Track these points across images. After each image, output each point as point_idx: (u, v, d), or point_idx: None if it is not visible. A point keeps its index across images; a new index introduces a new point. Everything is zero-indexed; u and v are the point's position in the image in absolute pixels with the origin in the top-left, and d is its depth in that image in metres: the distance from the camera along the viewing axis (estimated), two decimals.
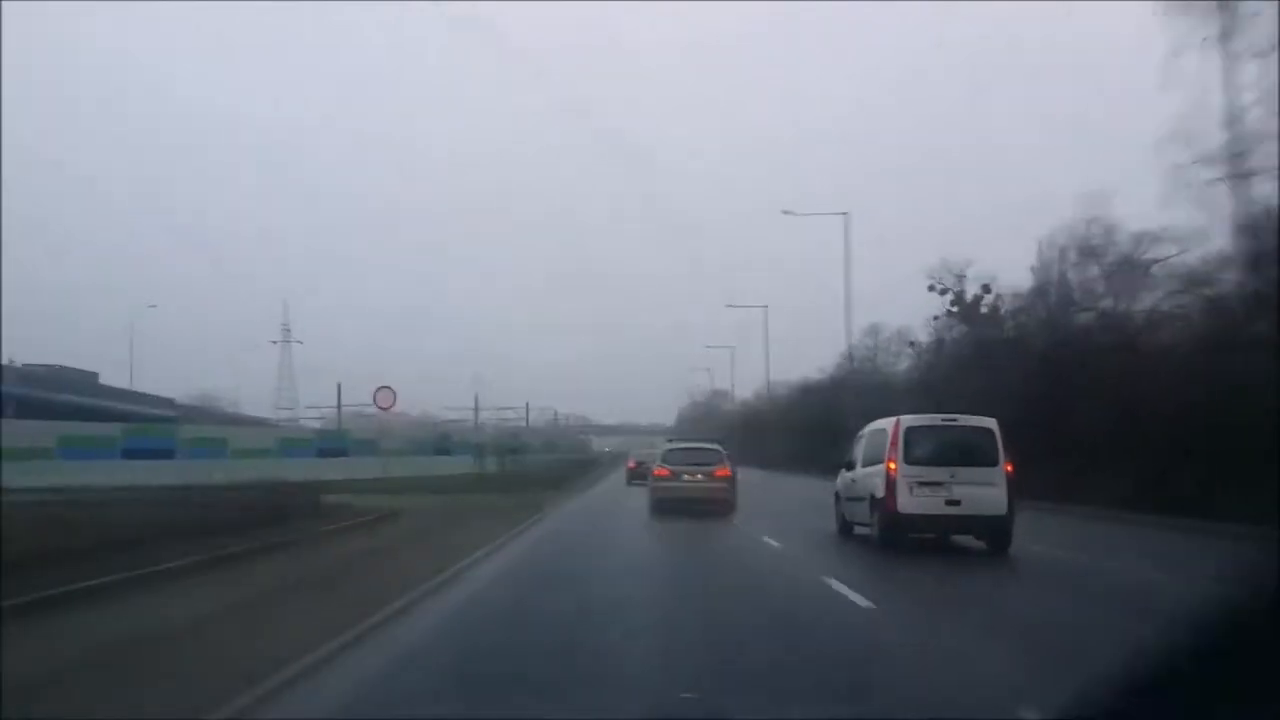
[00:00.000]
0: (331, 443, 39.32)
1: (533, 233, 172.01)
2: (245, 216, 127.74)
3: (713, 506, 20.27)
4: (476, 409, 68.87)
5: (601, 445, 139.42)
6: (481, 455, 32.32)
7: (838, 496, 17.14)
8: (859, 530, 15.74)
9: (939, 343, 51.87)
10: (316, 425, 63.98)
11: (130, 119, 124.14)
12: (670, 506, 20.29)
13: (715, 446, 22.78)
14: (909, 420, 14.64)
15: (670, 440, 25.31)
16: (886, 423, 15.00)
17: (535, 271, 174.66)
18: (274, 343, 66.89)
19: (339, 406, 49.45)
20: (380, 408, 24.60)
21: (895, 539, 13.96)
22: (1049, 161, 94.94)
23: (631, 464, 42.25)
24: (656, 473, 21.85)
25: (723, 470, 21.47)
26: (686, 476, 21.12)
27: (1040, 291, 39.89)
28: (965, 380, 36.04)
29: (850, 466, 16.28)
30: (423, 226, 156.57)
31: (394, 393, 24.64)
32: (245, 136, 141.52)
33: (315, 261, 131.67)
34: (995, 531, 13.87)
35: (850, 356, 48.68)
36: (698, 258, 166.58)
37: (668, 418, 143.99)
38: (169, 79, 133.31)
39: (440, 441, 45.70)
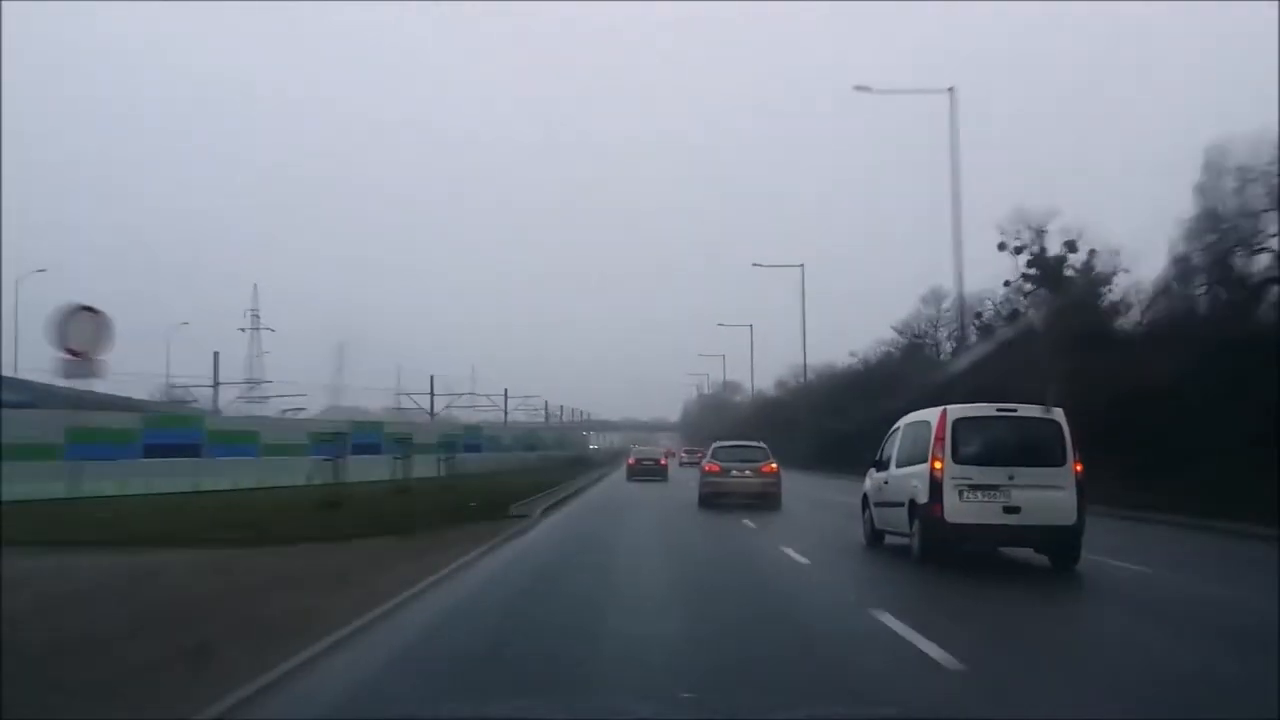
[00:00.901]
0: (174, 436, 26.73)
1: (536, 223, 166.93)
2: (240, 210, 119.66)
3: (760, 500, 21.71)
4: (432, 396, 56.06)
5: (608, 440, 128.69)
6: (339, 453, 19.58)
7: (866, 501, 15.00)
8: (891, 540, 13.80)
9: (1012, 315, 41.40)
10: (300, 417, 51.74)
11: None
12: (719, 500, 21.76)
13: (761, 445, 23.94)
14: (957, 411, 12.45)
15: (719, 440, 26.12)
16: (929, 414, 12.79)
17: (537, 264, 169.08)
18: (242, 330, 56.15)
19: (215, 385, 37.66)
20: (70, 353, 12.24)
21: (940, 553, 11.99)
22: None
23: (631, 461, 43.15)
24: (707, 468, 23.19)
25: (769, 467, 22.89)
26: (735, 472, 22.61)
27: (1208, 220, 27.37)
28: (1051, 361, 24.96)
29: (882, 466, 14.25)
30: (422, 219, 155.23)
31: (101, 322, 12.32)
32: (230, 116, 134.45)
33: (305, 256, 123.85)
34: (1061, 545, 11.95)
35: (960, 300, 37.69)
36: (707, 243, 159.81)
37: (672, 413, 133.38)
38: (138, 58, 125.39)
39: (364, 435, 33.58)
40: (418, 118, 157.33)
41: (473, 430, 49.43)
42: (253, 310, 59.64)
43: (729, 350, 77.01)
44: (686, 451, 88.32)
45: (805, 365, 53.23)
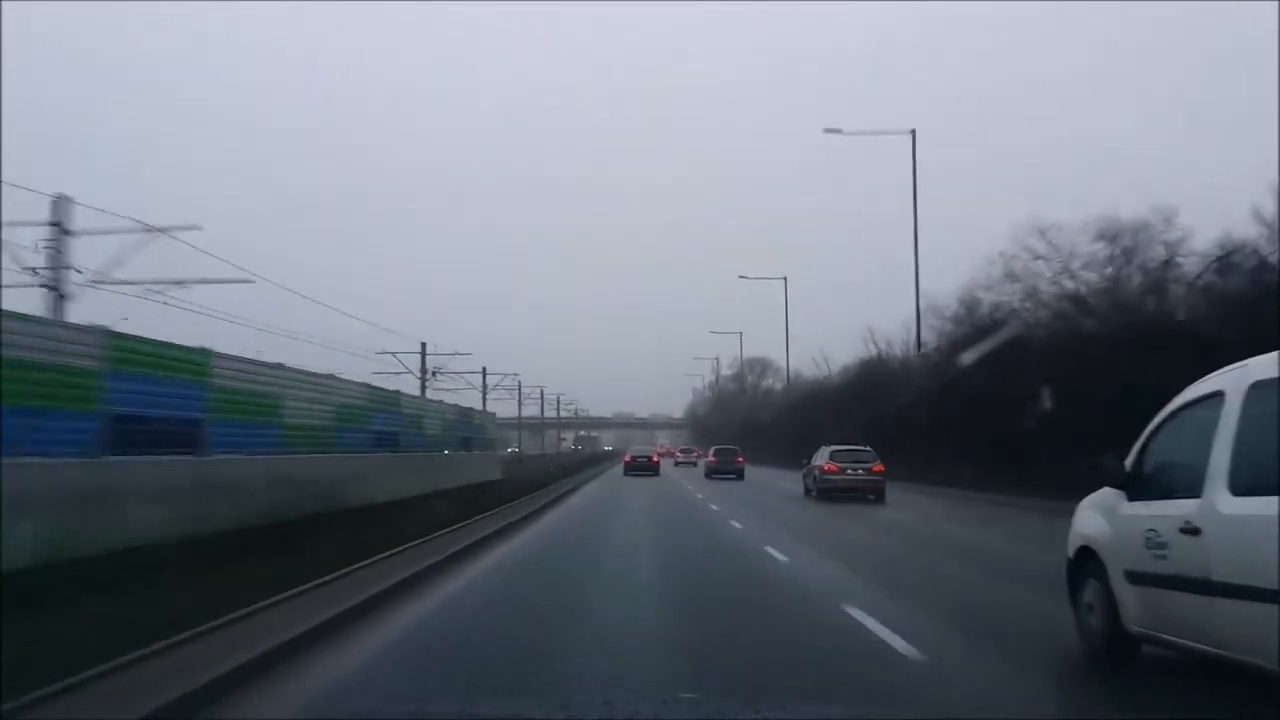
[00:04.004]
0: None
1: (532, 206, 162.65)
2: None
3: (869, 493, 27.31)
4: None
5: (577, 441, 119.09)
6: None
7: (1090, 561, 7.08)
8: (1155, 650, 6.49)
9: None
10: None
11: None
12: (835, 495, 27.08)
13: (869, 449, 28.87)
14: None
15: (833, 445, 29.79)
16: None
17: (534, 250, 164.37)
18: (33, 270, 24.63)
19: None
20: None
21: None
22: None
23: (628, 459, 48.64)
24: (826, 468, 28.34)
25: (877, 467, 28.14)
26: (850, 471, 28.02)
27: None
28: None
29: (1146, 487, 6.62)
30: (421, 212, 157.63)
31: None
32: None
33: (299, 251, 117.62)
34: None
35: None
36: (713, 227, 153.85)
37: (670, 407, 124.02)
38: None
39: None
40: (410, 89, 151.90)
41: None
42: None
43: (747, 319, 67.79)
44: (682, 451, 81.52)
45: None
